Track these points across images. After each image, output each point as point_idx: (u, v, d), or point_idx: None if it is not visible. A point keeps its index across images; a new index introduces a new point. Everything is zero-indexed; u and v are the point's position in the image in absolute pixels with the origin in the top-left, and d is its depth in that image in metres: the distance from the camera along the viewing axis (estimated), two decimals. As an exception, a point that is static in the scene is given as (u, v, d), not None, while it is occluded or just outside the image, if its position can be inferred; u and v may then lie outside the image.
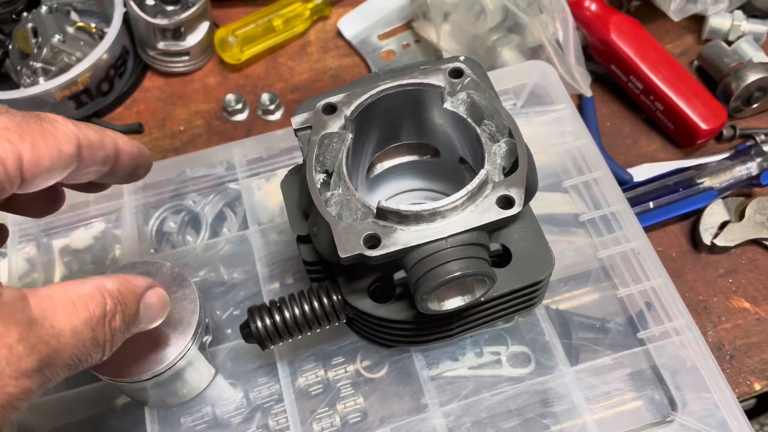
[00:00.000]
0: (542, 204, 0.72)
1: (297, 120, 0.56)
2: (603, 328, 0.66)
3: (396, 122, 0.58)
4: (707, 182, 0.77)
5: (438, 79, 0.55)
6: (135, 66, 0.93)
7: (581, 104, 0.85)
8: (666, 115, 0.82)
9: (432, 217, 0.49)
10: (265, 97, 0.89)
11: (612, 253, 0.67)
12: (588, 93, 0.81)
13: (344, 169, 0.52)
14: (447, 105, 0.54)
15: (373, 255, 0.48)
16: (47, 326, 0.37)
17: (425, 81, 0.54)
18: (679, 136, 0.82)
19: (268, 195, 0.77)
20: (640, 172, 0.80)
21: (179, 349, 0.55)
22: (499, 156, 0.53)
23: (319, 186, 0.53)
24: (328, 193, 0.52)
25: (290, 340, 0.59)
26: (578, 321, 0.67)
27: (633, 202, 0.75)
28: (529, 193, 0.53)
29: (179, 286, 0.58)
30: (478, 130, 0.53)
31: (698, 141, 0.80)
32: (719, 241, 0.74)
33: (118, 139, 0.48)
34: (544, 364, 0.65)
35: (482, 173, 0.49)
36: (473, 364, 0.67)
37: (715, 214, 0.76)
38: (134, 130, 0.89)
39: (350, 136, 0.54)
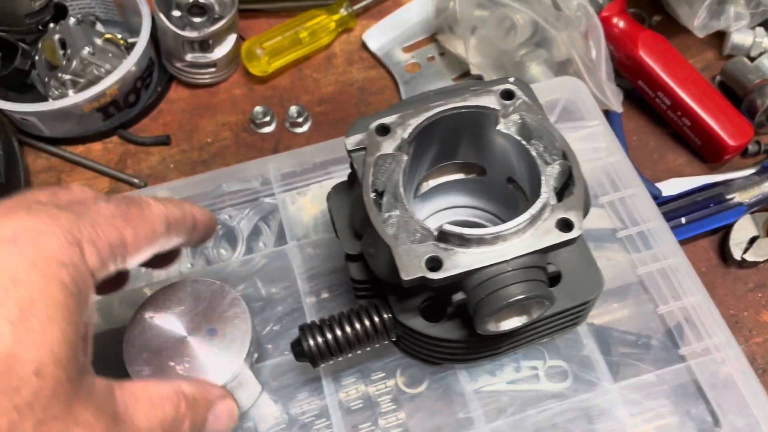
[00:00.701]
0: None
1: (351, 141, 0.56)
2: (643, 343, 0.66)
3: (449, 143, 0.58)
4: (737, 198, 0.78)
5: (491, 101, 0.55)
6: (160, 77, 0.93)
7: (608, 118, 0.86)
8: (693, 131, 0.83)
9: (494, 240, 0.49)
10: (293, 110, 0.89)
11: (650, 269, 0.68)
12: (619, 109, 0.82)
13: (401, 190, 0.53)
14: (500, 127, 0.55)
15: (436, 278, 0.48)
16: (128, 422, 0.40)
17: (480, 103, 0.54)
18: (706, 151, 0.83)
19: (301, 209, 0.77)
20: (668, 187, 0.81)
21: (233, 370, 0.55)
22: (552, 177, 0.54)
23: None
24: (385, 215, 0.53)
25: (340, 359, 0.59)
26: (617, 336, 0.68)
27: (664, 217, 0.76)
28: (585, 213, 0.53)
29: (230, 305, 0.58)
30: (534, 153, 0.54)
31: (725, 157, 0.81)
32: (749, 256, 0.75)
33: (195, 210, 0.51)
34: (582, 379, 0.66)
35: (543, 196, 0.50)
36: (511, 378, 0.68)
37: (744, 229, 0.77)
38: (162, 141, 0.89)
39: (405, 157, 0.54)
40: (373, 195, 0.55)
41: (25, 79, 0.87)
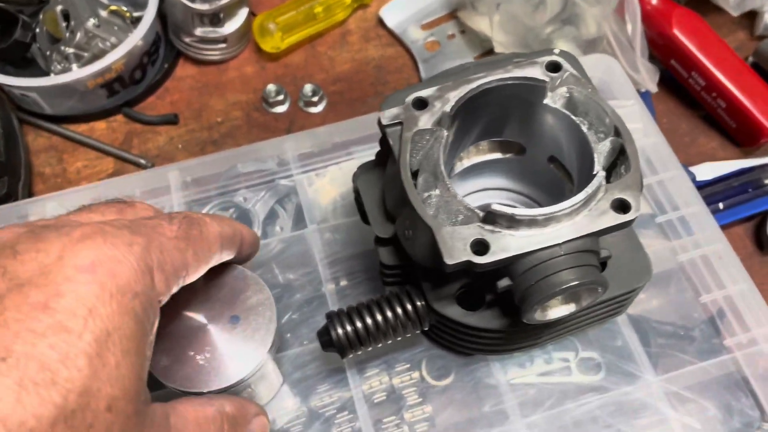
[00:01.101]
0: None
1: (387, 115, 0.52)
2: (685, 334, 0.63)
3: (492, 119, 0.55)
4: (775, 183, 0.75)
5: (536, 73, 0.51)
6: (167, 53, 0.88)
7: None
8: (728, 113, 0.79)
9: (546, 222, 0.45)
10: (307, 89, 0.85)
11: (692, 256, 0.65)
12: (654, 89, 0.78)
13: (442, 168, 0.49)
14: (548, 101, 0.51)
15: (482, 262, 0.45)
16: None
17: (527, 74, 0.50)
18: (741, 134, 0.80)
19: (319, 192, 0.73)
20: (702, 171, 0.78)
21: (257, 360, 0.52)
22: (602, 156, 0.50)
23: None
24: (424, 194, 0.49)
25: (369, 349, 0.56)
26: (655, 326, 0.64)
27: (702, 202, 0.73)
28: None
29: (254, 291, 0.54)
30: (584, 128, 0.50)
31: (762, 140, 0.78)
32: (788, 244, 0.72)
33: (243, 230, 0.53)
34: (620, 371, 0.62)
35: (600, 175, 0.46)
36: (542, 370, 0.64)
37: (782, 215, 0.74)
38: (170, 120, 0.84)
39: (446, 133, 0.50)
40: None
41: (26, 53, 0.82)
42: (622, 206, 0.46)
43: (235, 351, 0.52)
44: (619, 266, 0.54)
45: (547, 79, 0.51)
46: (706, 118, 0.83)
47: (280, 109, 0.86)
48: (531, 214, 0.45)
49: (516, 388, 0.62)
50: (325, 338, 0.54)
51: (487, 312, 0.53)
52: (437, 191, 0.49)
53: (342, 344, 0.54)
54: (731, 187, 0.75)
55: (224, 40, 0.86)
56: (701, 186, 0.76)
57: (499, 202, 0.61)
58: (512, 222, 0.45)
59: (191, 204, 0.71)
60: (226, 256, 0.51)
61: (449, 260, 0.45)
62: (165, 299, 0.42)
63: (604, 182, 0.47)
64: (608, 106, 0.50)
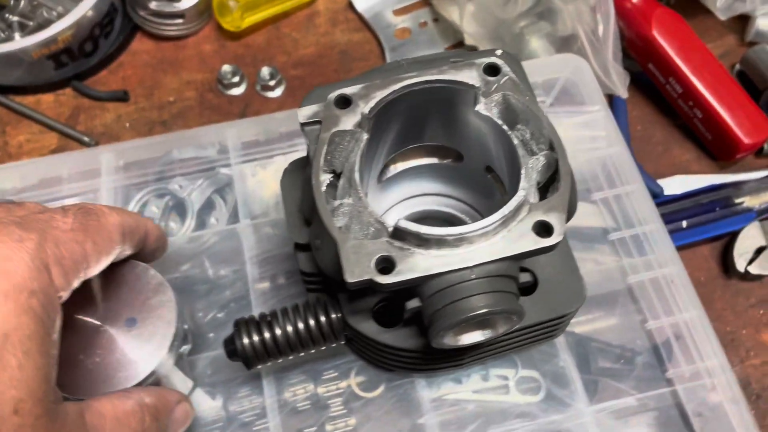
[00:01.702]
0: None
1: (305, 113, 0.48)
2: (626, 358, 0.59)
3: (419, 122, 0.50)
4: (746, 202, 0.70)
5: (471, 77, 0.47)
6: (123, 26, 0.84)
7: (612, 103, 0.77)
8: (704, 124, 0.74)
9: (457, 243, 0.41)
10: (265, 72, 0.81)
11: (642, 278, 0.61)
12: (624, 94, 0.73)
13: (356, 175, 0.45)
14: (480, 107, 0.47)
15: (386, 282, 0.41)
16: None
17: (458, 78, 0.46)
18: (717, 147, 0.75)
19: (262, 183, 0.70)
20: (671, 185, 0.73)
21: (152, 364, 0.48)
22: (535, 170, 0.46)
23: (324, 190, 0.46)
24: (336, 202, 0.45)
25: (279, 361, 0.52)
26: (599, 348, 0.61)
27: (664, 219, 0.68)
28: (569, 215, 0.46)
29: (156, 291, 0.51)
30: (515, 141, 0.46)
31: (738, 155, 0.73)
32: (753, 269, 0.68)
33: (148, 224, 0.51)
34: (556, 395, 0.59)
35: (520, 194, 0.42)
36: (478, 387, 0.61)
37: (751, 237, 0.69)
38: (119, 97, 0.81)
39: (366, 136, 0.46)
40: (330, 177, 0.47)
41: (-29, 19, 0.79)
42: (544, 229, 0.42)
43: (128, 355, 0.49)
44: (551, 289, 0.50)
45: (478, 84, 0.46)
46: (683, 127, 0.78)
47: (236, 91, 0.82)
48: (440, 233, 0.41)
49: (444, 405, 0.59)
50: (231, 347, 0.51)
51: (404, 330, 0.49)
52: (350, 200, 0.45)
53: (247, 355, 0.50)
54: (699, 205, 0.71)
55: (181, 15, 0.82)
56: (668, 201, 0.71)
57: (434, 210, 0.58)
58: (421, 240, 0.41)
59: (124, 188, 0.67)
60: (129, 249, 0.49)
61: (350, 278, 0.41)
62: (66, 295, 0.40)
63: (530, 200, 0.43)
64: (544, 117, 0.46)
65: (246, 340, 0.50)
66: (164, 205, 0.68)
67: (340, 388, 0.61)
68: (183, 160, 0.68)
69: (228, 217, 0.68)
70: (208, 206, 0.69)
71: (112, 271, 0.50)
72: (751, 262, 0.68)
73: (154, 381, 0.50)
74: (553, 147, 0.45)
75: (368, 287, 0.44)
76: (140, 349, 0.49)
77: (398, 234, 0.42)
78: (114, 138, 0.79)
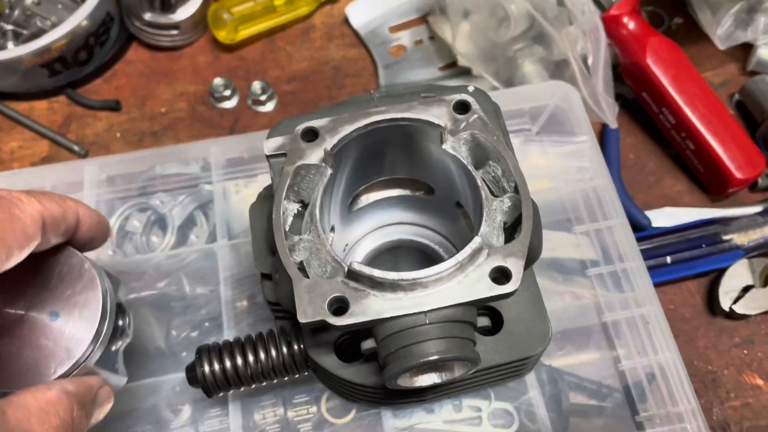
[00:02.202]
0: (547, 246, 0.63)
1: (270, 144, 0.48)
2: (599, 394, 0.58)
3: (385, 157, 0.50)
4: (734, 240, 0.69)
5: (440, 114, 0.46)
6: (119, 35, 0.84)
7: (603, 130, 0.76)
8: (697, 156, 0.73)
9: (412, 287, 0.41)
10: (256, 86, 0.81)
11: (618, 317, 0.60)
12: (614, 125, 0.72)
13: (317, 211, 0.45)
14: (446, 146, 0.46)
15: (338, 324, 0.41)
16: None
17: (423, 117, 0.46)
18: (709, 180, 0.73)
19: (245, 201, 0.69)
20: (659, 218, 0.72)
21: (73, 357, 0.46)
22: (500, 212, 0.45)
23: (291, 221, 0.46)
24: (296, 237, 0.45)
25: (241, 390, 0.52)
26: (572, 382, 0.60)
27: (648, 253, 0.68)
28: (531, 261, 0.45)
29: (86, 285, 0.48)
30: (478, 182, 0.45)
31: (729, 189, 0.72)
32: (739, 308, 0.66)
33: (80, 209, 0.47)
34: (528, 430, 0.58)
35: (476, 240, 0.41)
36: (450, 418, 0.60)
37: (737, 276, 0.68)
38: (111, 107, 0.81)
39: (329, 171, 0.46)
40: (298, 207, 0.47)
41: (-32, 25, 0.80)
42: (502, 274, 0.42)
43: (51, 347, 0.47)
44: (516, 330, 0.50)
45: (444, 123, 0.46)
46: (676, 157, 0.77)
47: (228, 104, 0.82)
48: (393, 277, 0.40)
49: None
50: (191, 374, 0.51)
51: (365, 366, 0.49)
52: (310, 236, 0.44)
53: (208, 383, 0.50)
54: (686, 240, 0.69)
55: (176, 26, 0.82)
56: (655, 234, 0.70)
57: (407, 239, 0.57)
58: (375, 283, 0.41)
59: (107, 202, 0.68)
60: (55, 239, 0.45)
61: (303, 318, 0.41)
62: None
63: (493, 243, 0.43)
64: (512, 158, 0.45)
65: (207, 368, 0.50)
66: (146, 220, 0.69)
67: (310, 413, 0.60)
68: (166, 176, 0.69)
69: (208, 234, 0.68)
70: (189, 222, 0.69)
71: (43, 257, 0.48)
72: (736, 300, 0.67)
73: (83, 374, 0.48)
74: (518, 190, 0.44)
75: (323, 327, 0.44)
76: (64, 340, 0.47)
77: (353, 275, 0.41)
78: (104, 147, 0.79)
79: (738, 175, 0.70)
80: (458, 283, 0.42)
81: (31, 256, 0.44)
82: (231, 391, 0.52)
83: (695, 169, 0.75)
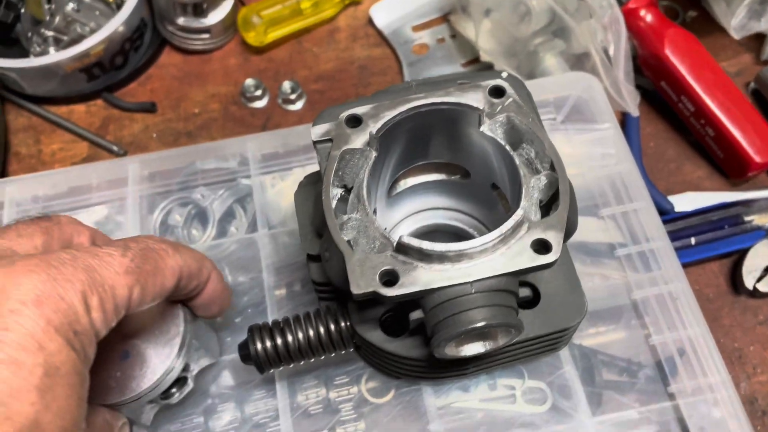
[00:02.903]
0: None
1: (317, 131, 0.50)
2: (630, 371, 0.61)
3: (426, 141, 0.53)
4: (756, 220, 0.71)
5: (477, 98, 0.49)
6: (152, 40, 0.88)
7: (624, 119, 0.79)
8: (716, 142, 0.75)
9: (458, 258, 0.44)
10: (286, 86, 0.84)
11: (647, 294, 0.62)
12: (635, 112, 0.75)
13: (364, 191, 0.47)
14: (484, 128, 0.49)
15: (390, 294, 0.43)
16: None
17: (462, 101, 0.48)
18: (728, 165, 0.76)
19: (281, 194, 0.72)
20: (681, 202, 0.74)
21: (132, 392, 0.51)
22: (537, 189, 0.48)
23: (335, 204, 0.48)
24: (345, 217, 0.47)
25: (291, 366, 0.55)
26: (604, 360, 0.62)
27: (673, 236, 0.70)
28: (568, 235, 0.47)
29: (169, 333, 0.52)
30: (517, 161, 0.48)
31: (749, 173, 0.74)
32: (762, 286, 0.68)
33: (213, 272, 0.52)
34: (562, 406, 0.60)
35: (518, 213, 0.44)
36: (485, 396, 0.62)
37: (760, 256, 0.70)
38: (146, 109, 0.84)
39: (374, 154, 0.48)
40: (341, 192, 0.50)
41: (10, 33, 0.83)
42: (542, 246, 0.44)
43: (120, 371, 0.51)
44: (553, 304, 0.52)
45: (485, 105, 0.48)
46: (695, 144, 0.79)
47: (258, 104, 0.85)
48: (441, 249, 0.43)
49: (451, 413, 0.61)
50: (245, 352, 0.53)
51: (410, 340, 0.52)
52: (358, 214, 0.47)
53: (260, 360, 0.53)
54: (708, 222, 0.72)
55: (208, 30, 0.86)
56: (678, 218, 0.72)
57: (443, 224, 0.60)
58: (423, 255, 0.44)
59: (149, 197, 0.71)
60: (186, 292, 0.50)
61: (356, 290, 0.43)
62: (104, 334, 0.42)
63: (531, 218, 0.45)
64: (547, 138, 0.48)
65: (259, 346, 0.52)
66: (187, 214, 0.71)
67: (351, 393, 0.63)
68: (205, 170, 0.71)
69: (247, 226, 0.71)
70: (228, 215, 0.72)
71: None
72: (759, 279, 0.69)
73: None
74: (554, 167, 0.47)
75: (374, 298, 0.46)
76: (138, 366, 0.51)
77: (402, 249, 0.44)
78: (141, 147, 0.82)
79: (757, 159, 0.72)
80: (501, 255, 0.44)
81: None
82: (281, 368, 0.54)
83: (715, 155, 0.77)
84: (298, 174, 0.73)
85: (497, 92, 0.49)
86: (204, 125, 0.84)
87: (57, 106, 0.85)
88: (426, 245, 0.43)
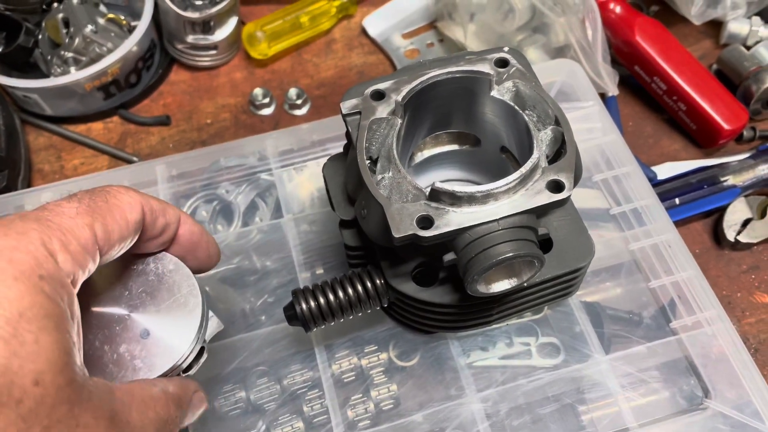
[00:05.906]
0: (573, 199, 0.73)
1: (347, 105, 0.57)
2: (634, 320, 0.67)
3: (443, 110, 0.59)
4: (730, 180, 0.79)
5: (485, 68, 0.56)
6: (162, 59, 0.94)
7: (605, 104, 0.86)
8: (689, 116, 0.83)
9: (485, 199, 0.50)
10: (292, 92, 0.90)
11: (643, 245, 0.68)
12: (615, 91, 0.82)
13: (395, 152, 0.53)
14: (494, 93, 0.56)
15: (427, 236, 0.49)
16: (124, 421, 0.42)
17: (474, 68, 0.55)
18: (701, 136, 0.84)
19: (298, 186, 0.78)
20: (662, 171, 0.82)
21: (172, 359, 0.50)
22: (544, 143, 0.54)
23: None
24: (378, 176, 0.53)
25: (332, 324, 0.60)
26: (609, 313, 0.68)
27: (659, 198, 0.77)
28: (576, 178, 0.54)
29: (185, 294, 0.51)
30: (526, 118, 0.54)
31: (720, 141, 0.82)
32: (742, 238, 0.76)
33: (181, 213, 0.51)
34: (576, 353, 0.66)
35: (534, 157, 0.50)
36: (504, 354, 0.68)
37: (738, 211, 0.77)
38: (162, 122, 0.90)
39: (399, 121, 0.55)
40: (368, 162, 0.55)
41: (29, 58, 0.88)
42: (556, 186, 0.50)
43: (150, 348, 0.50)
44: (564, 247, 0.58)
45: (493, 72, 0.55)
46: (669, 120, 0.87)
47: (267, 111, 0.91)
48: (470, 191, 0.49)
49: (476, 369, 0.66)
50: (290, 312, 0.58)
51: (440, 288, 0.57)
52: (390, 174, 0.53)
53: (306, 318, 0.58)
54: (689, 184, 0.79)
55: (215, 47, 0.92)
56: (661, 182, 0.80)
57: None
58: (454, 199, 0.49)
59: (176, 195, 0.76)
60: (155, 229, 0.48)
61: (397, 234, 0.49)
62: (80, 276, 0.41)
63: (542, 164, 0.52)
64: (549, 98, 0.55)
65: (304, 305, 0.58)
66: (212, 210, 0.76)
67: (380, 359, 0.68)
68: (228, 168, 0.77)
69: (270, 215, 0.76)
70: (252, 208, 0.77)
71: (146, 263, 0.52)
72: (739, 233, 0.76)
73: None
74: (559, 122, 0.54)
75: (410, 250, 0.52)
76: (162, 343, 0.50)
77: (434, 196, 0.50)
78: (161, 157, 0.87)
79: (726, 126, 0.81)
80: (521, 195, 0.50)
81: (134, 260, 0.50)
82: (323, 326, 0.59)
83: (688, 128, 0.85)
84: (312, 167, 0.79)
85: (502, 63, 0.56)
86: (217, 133, 0.89)
87: (75, 125, 0.90)
88: (458, 189, 0.49)
